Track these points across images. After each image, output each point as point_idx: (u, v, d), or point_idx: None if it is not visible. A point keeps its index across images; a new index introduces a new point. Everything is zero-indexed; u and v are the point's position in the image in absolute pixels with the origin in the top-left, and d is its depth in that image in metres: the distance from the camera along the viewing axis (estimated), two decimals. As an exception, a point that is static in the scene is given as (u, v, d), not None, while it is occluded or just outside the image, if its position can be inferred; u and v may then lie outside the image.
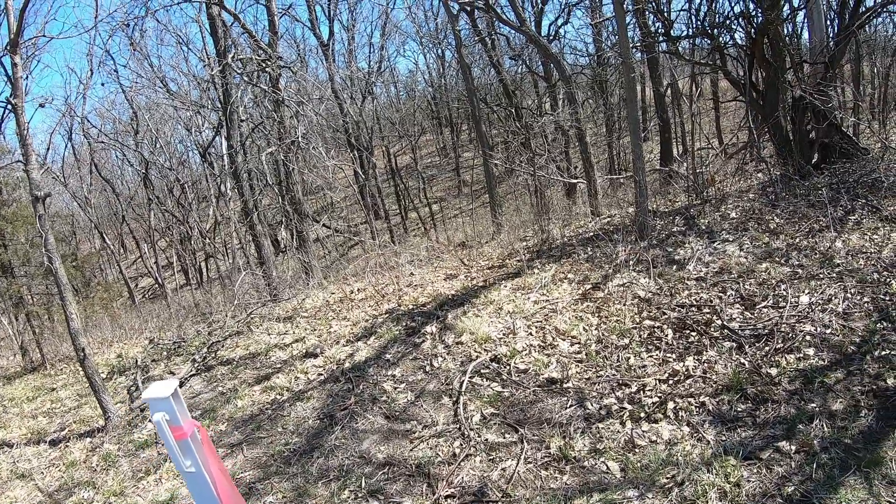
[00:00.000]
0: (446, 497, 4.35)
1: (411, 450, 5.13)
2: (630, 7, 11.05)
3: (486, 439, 4.96)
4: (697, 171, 10.20)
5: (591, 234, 9.42)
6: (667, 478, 3.98)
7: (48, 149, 28.32)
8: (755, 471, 3.86)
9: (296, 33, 37.55)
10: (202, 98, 22.19)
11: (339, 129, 22.56)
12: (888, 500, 3.42)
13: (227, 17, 13.35)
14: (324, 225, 23.81)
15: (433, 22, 30.07)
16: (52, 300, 16.13)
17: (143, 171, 25.59)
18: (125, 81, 27.17)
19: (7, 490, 6.46)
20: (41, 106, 23.59)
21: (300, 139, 13.49)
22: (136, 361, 9.54)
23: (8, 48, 7.38)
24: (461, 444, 4.98)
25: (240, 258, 20.26)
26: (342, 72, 25.21)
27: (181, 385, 7.96)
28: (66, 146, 34.08)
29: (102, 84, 37.69)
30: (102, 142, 27.20)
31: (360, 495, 4.66)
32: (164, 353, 9.82)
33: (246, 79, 13.60)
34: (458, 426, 5.27)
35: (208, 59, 19.14)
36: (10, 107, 7.40)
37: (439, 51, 32.22)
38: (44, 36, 9.31)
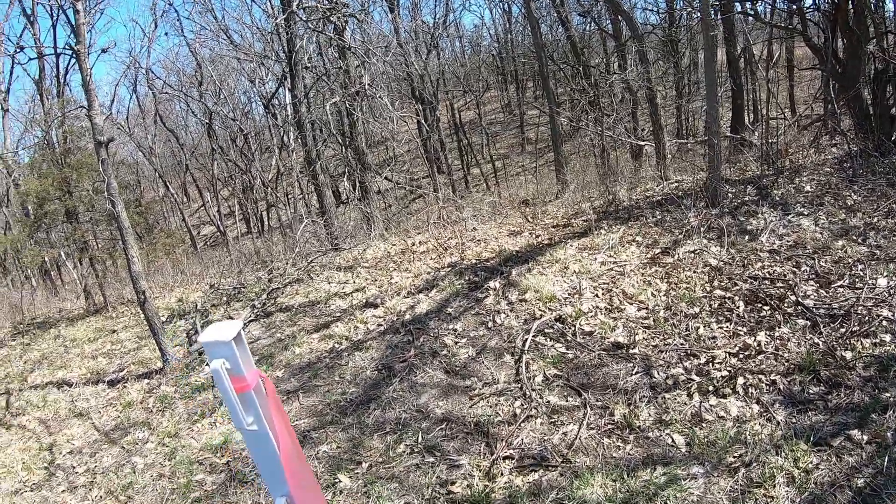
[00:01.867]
0: (505, 458, 4.31)
1: (470, 407, 5.11)
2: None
3: (548, 401, 4.89)
4: (770, 140, 9.75)
5: (660, 197, 9.13)
6: (734, 457, 3.84)
7: (113, 100, 29.04)
8: (825, 458, 3.68)
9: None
10: (266, 50, 22.23)
11: (404, 80, 22.35)
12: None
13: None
14: (385, 178, 23.80)
15: (500, -25, 29.34)
16: (116, 245, 16.62)
17: (207, 121, 25.95)
18: (189, 34, 27.42)
19: (65, 427, 6.72)
20: (104, 51, 24.12)
21: (366, 88, 13.37)
22: (196, 305, 9.78)
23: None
24: (522, 405, 4.93)
25: (301, 208, 20.46)
26: (406, 24, 24.90)
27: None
28: (130, 97, 34.91)
29: (166, 34, 38.21)
30: (167, 93, 27.66)
31: (416, 450, 4.66)
32: (224, 298, 10.03)
33: (311, 27, 13.49)
34: (519, 386, 5.22)
35: (272, 9, 19.17)
36: (74, 54, 7.50)
37: (505, 6, 31.57)
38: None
